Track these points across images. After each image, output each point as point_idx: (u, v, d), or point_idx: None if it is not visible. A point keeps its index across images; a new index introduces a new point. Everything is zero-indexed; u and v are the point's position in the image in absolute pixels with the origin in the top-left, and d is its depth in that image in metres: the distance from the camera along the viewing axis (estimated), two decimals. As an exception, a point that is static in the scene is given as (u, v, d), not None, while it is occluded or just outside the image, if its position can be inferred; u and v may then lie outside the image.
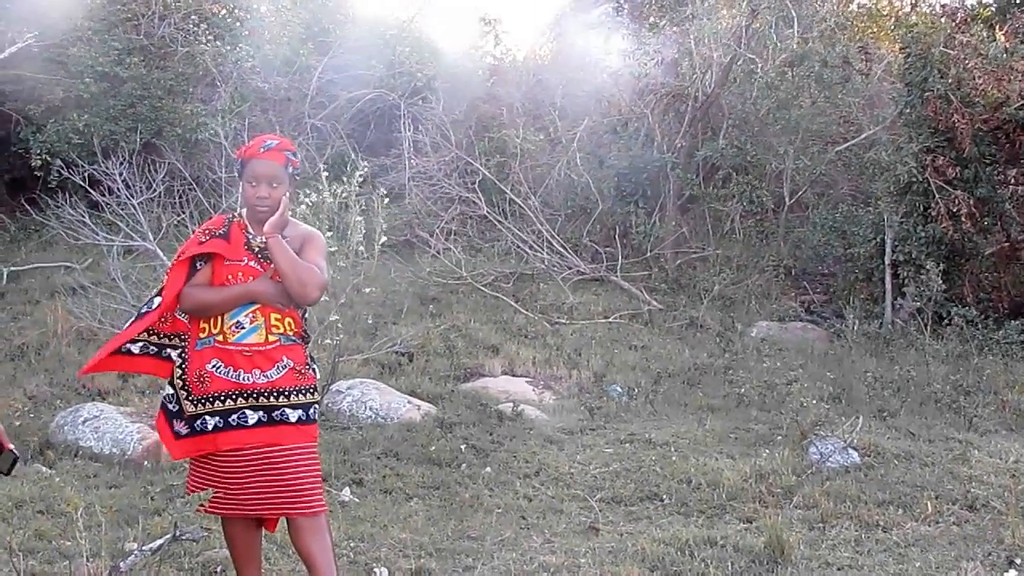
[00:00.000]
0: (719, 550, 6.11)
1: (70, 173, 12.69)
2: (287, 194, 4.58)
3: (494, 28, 17.19)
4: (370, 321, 11.10)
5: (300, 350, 4.69)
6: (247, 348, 4.56)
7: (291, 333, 4.65)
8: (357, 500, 7.12)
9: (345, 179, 9.23)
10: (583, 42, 17.23)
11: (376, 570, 5.77)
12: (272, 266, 4.53)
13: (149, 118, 14.73)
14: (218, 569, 5.65)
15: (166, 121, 14.85)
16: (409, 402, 9.25)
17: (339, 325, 9.12)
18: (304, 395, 4.63)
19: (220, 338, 4.56)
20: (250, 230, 4.66)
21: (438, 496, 7.32)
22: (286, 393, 4.57)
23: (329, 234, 9.03)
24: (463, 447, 8.28)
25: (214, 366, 4.56)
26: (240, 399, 4.54)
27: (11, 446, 4.17)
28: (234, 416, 4.54)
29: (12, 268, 12.72)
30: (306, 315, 4.76)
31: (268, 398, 4.55)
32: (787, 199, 15.44)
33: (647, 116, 15.88)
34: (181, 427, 4.63)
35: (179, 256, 4.63)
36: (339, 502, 7.03)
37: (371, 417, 8.92)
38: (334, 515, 6.73)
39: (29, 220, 13.89)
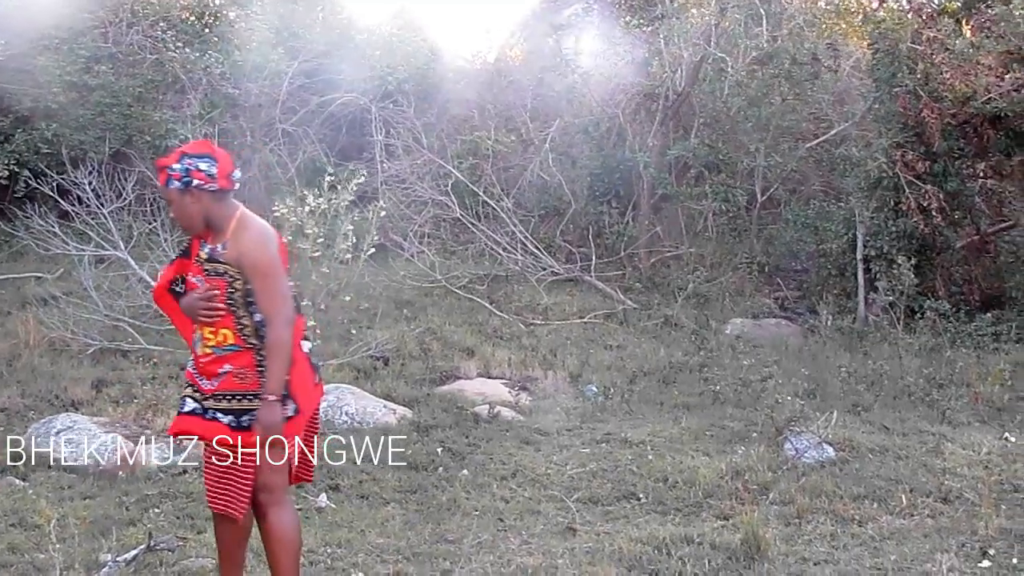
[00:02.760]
0: (696, 548, 6.13)
1: (39, 183, 12.62)
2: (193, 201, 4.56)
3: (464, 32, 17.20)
4: (345, 325, 11.05)
5: (243, 356, 4.67)
6: (199, 357, 4.73)
7: (228, 343, 4.66)
8: (334, 506, 7.09)
9: (339, 187, 9.18)
10: (553, 43, 17.22)
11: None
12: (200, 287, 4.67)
13: (118, 126, 14.65)
14: (194, 578, 5.63)
15: (136, 129, 14.77)
16: (385, 406, 9.22)
17: (317, 331, 9.09)
18: (239, 401, 4.66)
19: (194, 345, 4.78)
20: (205, 243, 4.69)
21: (415, 500, 7.31)
22: (223, 397, 4.68)
23: (320, 240, 9.00)
24: (440, 450, 8.27)
25: (192, 366, 4.79)
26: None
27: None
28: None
29: (-19, 280, 12.66)
30: (256, 318, 4.67)
31: (205, 401, 4.73)
32: (759, 196, 15.49)
33: (618, 116, 15.90)
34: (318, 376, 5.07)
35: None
36: (316, 508, 7.01)
37: (347, 422, 8.88)
38: (310, 521, 6.71)
39: (-1, 231, 13.81)
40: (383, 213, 9.97)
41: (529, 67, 17.67)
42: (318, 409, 5.07)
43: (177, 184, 4.53)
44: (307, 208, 8.87)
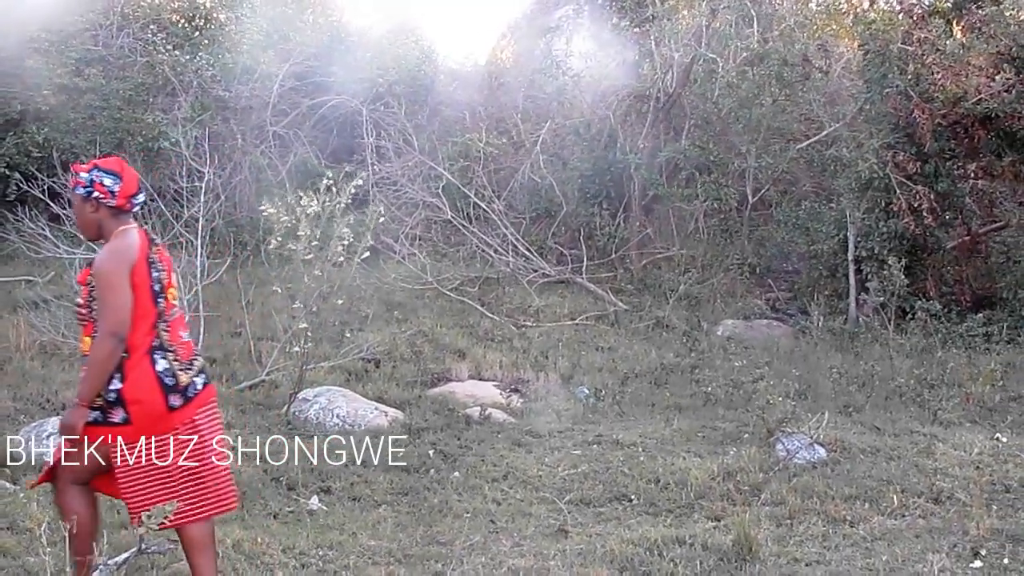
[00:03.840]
0: (688, 549, 6.13)
1: (29, 186, 12.58)
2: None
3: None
4: (337, 327, 11.04)
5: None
6: None
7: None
8: (325, 508, 7.09)
9: (335, 189, 9.14)
10: (544, 45, 17.23)
11: (345, 578, 5.75)
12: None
13: (109, 129, 14.62)
14: (185, 581, 5.61)
15: (126, 132, 14.74)
16: (376, 408, 9.22)
17: (308, 333, 9.07)
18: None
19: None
20: None
21: (406, 502, 7.31)
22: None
23: (314, 243, 8.97)
24: (431, 452, 8.27)
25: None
26: None
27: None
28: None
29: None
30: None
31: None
32: (750, 198, 15.52)
33: (609, 117, 15.91)
34: (176, 399, 4.95)
35: None
36: (307, 511, 7.00)
37: (338, 424, 8.87)
38: (302, 524, 6.71)
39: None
40: (380, 219, 9.93)
41: (520, 69, 17.68)
42: (187, 438, 5.00)
43: (81, 191, 4.90)
44: (301, 210, 8.82)
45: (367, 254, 9.64)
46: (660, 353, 11.83)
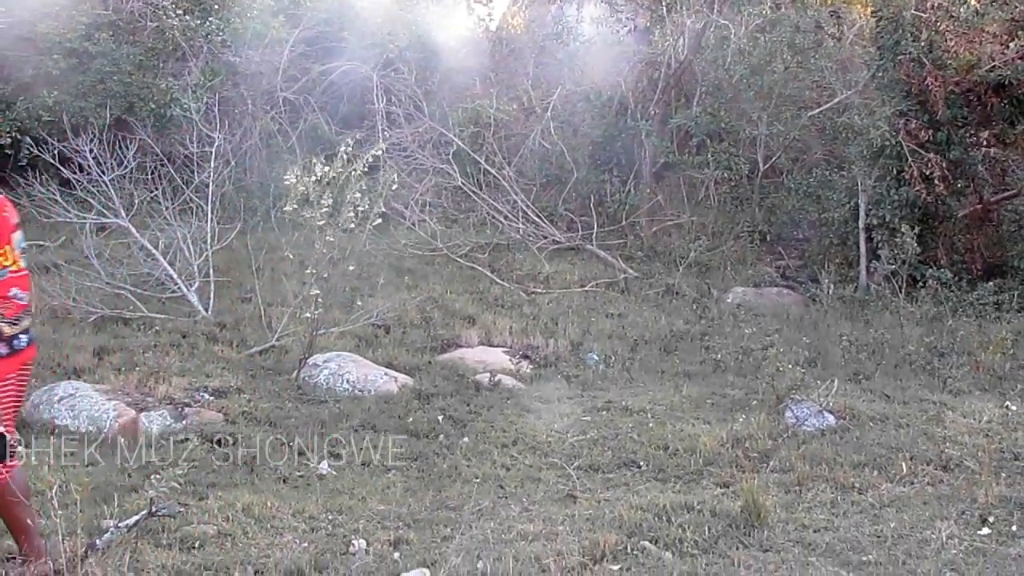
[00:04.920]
0: (696, 515, 6.13)
1: (40, 151, 12.58)
2: None
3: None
4: (347, 293, 11.06)
5: None
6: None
7: None
8: (335, 473, 7.11)
9: (350, 156, 9.11)
10: (555, 10, 17.15)
11: (355, 542, 5.78)
12: None
13: (119, 94, 14.60)
14: (196, 544, 5.64)
15: (137, 96, 14.72)
16: (386, 374, 9.23)
17: (319, 299, 9.08)
18: None
19: (13, 268, 4.99)
20: None
21: (416, 467, 7.33)
22: None
23: (326, 209, 8.96)
24: (441, 418, 8.29)
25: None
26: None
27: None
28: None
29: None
30: None
31: None
32: (761, 165, 15.47)
33: (620, 84, 15.84)
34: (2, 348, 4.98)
35: None
36: (317, 475, 7.03)
37: (348, 390, 8.89)
38: (312, 488, 6.74)
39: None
40: (395, 187, 9.91)
41: (531, 35, 17.61)
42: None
43: None
44: (314, 177, 8.80)
45: (379, 220, 9.63)
46: (670, 320, 11.83)
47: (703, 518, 6.08)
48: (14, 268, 5.02)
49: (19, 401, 5.24)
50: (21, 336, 5.01)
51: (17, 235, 5.09)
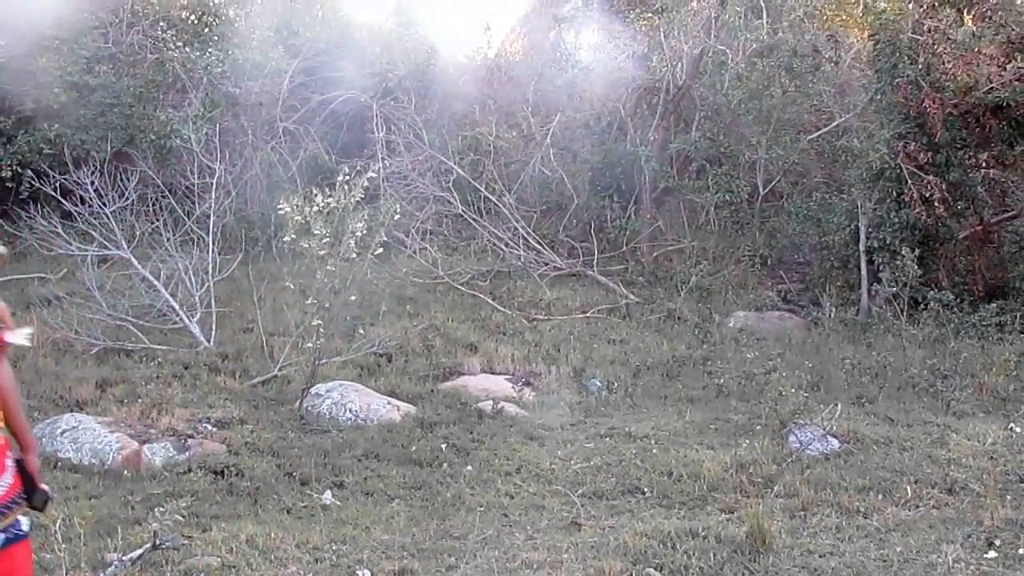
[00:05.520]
0: (701, 541, 6.11)
1: (41, 184, 12.61)
2: None
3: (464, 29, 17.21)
4: (349, 322, 11.06)
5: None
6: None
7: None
8: (339, 503, 7.10)
9: (347, 185, 9.13)
10: (554, 37, 17.22)
11: (359, 572, 5.76)
12: None
13: (120, 126, 14.65)
14: (200, 577, 5.63)
15: (137, 128, 14.77)
16: (388, 403, 9.23)
17: (320, 329, 9.08)
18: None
19: None
20: None
21: (420, 496, 7.31)
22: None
23: (327, 239, 8.97)
24: (444, 446, 8.27)
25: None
26: None
27: (44, 486, 3.83)
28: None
29: (-14, 281, 12.62)
30: None
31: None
32: (761, 189, 15.49)
33: (619, 110, 15.89)
34: None
35: None
36: (320, 505, 7.01)
37: (351, 419, 8.89)
38: (316, 519, 6.73)
39: (1, 232, 13.78)
40: (397, 216, 9.94)
41: (529, 62, 17.67)
42: None
43: None
44: (315, 207, 8.82)
45: (380, 250, 9.64)
46: (672, 345, 11.82)
47: (708, 544, 6.06)
48: None
49: None
50: None
51: None
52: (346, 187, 9.01)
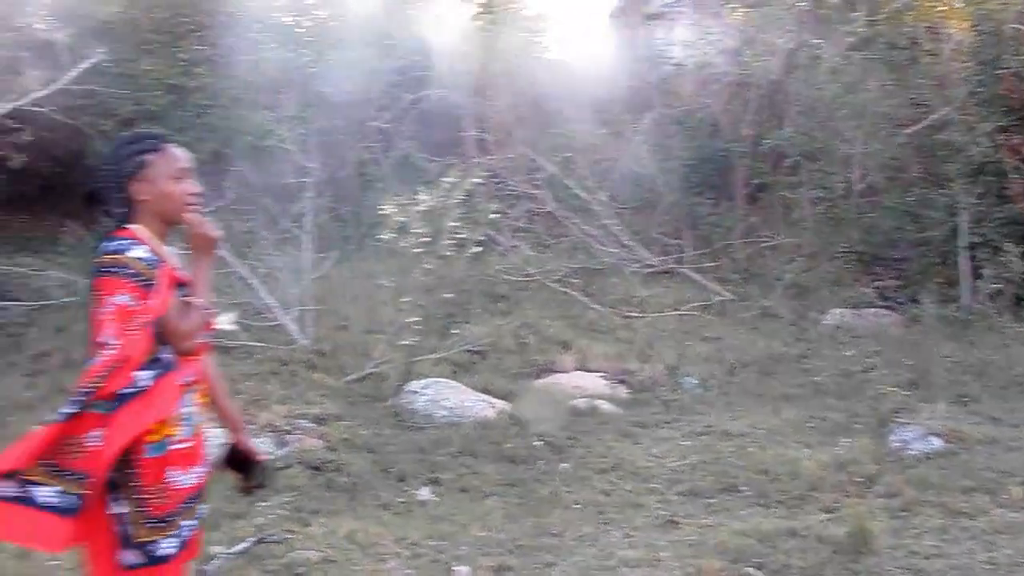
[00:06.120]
0: (801, 541, 6.04)
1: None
2: None
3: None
4: (442, 320, 11.12)
5: None
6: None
7: None
8: (435, 499, 7.14)
9: (448, 185, 9.21)
10: (645, 33, 17.13)
11: (457, 569, 5.78)
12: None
13: (218, 127, 14.89)
14: (301, 571, 5.69)
15: (234, 130, 14.99)
16: (483, 400, 9.26)
17: (417, 327, 9.14)
18: None
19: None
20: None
21: (515, 493, 7.33)
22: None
23: (427, 238, 9.05)
24: (538, 444, 8.28)
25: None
26: None
27: (263, 459, 4.04)
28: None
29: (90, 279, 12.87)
30: None
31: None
32: (858, 184, 15.22)
33: (711, 106, 15.75)
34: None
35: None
36: (417, 502, 7.06)
37: (446, 416, 8.93)
38: (413, 515, 6.78)
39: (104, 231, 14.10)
40: (495, 215, 9.99)
41: (621, 58, 17.59)
42: None
43: None
44: (419, 207, 8.91)
45: (480, 249, 9.69)
46: (767, 343, 11.68)
47: (808, 544, 5.99)
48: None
49: None
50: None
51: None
52: (447, 186, 9.07)
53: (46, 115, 12.53)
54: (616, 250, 14.21)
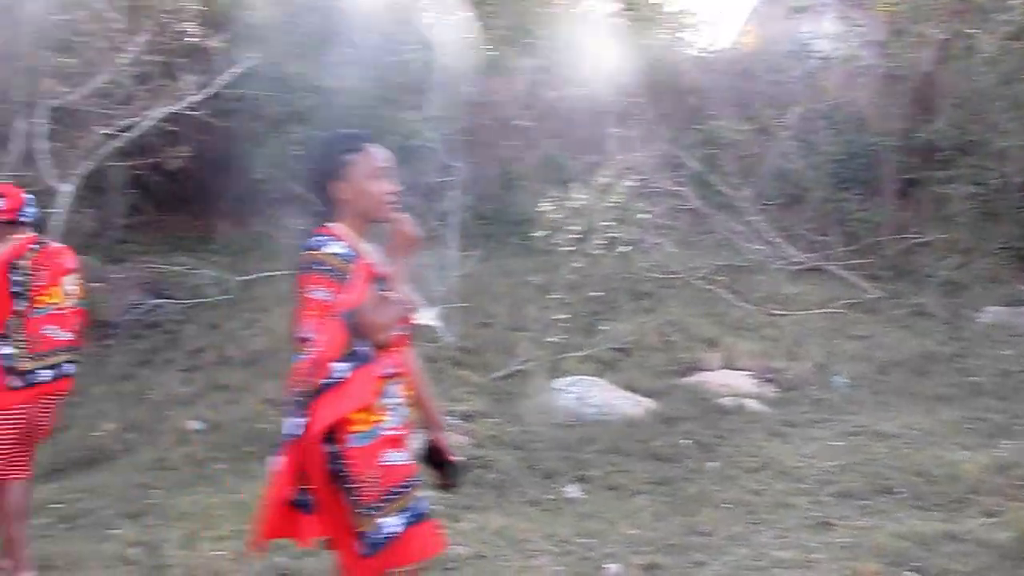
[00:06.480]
0: (962, 545, 5.86)
1: (292, 185, 13.15)
2: None
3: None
4: (586, 317, 11.12)
5: None
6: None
7: None
8: (584, 497, 7.15)
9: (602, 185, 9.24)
10: (790, 27, 16.84)
11: (607, 566, 5.78)
12: None
13: (364, 127, 15.11)
14: (452, 566, 5.75)
15: (380, 130, 15.21)
16: (629, 398, 9.23)
17: (563, 324, 9.16)
18: None
19: (55, 305, 5.55)
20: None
21: (664, 492, 7.29)
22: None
23: (576, 236, 9.09)
24: (686, 442, 8.22)
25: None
26: None
27: (456, 458, 4.17)
28: None
29: (242, 278, 13.23)
30: None
31: None
32: (1015, 178, 14.70)
33: (859, 99, 15.41)
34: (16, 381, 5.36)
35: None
36: (565, 499, 7.08)
37: (592, 413, 8.94)
38: (561, 511, 6.79)
39: (255, 232, 14.49)
40: (645, 215, 9.95)
41: (766, 52, 17.34)
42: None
43: None
44: (575, 203, 8.95)
45: (629, 248, 9.66)
46: (920, 341, 11.37)
47: (970, 548, 5.81)
48: (56, 306, 5.50)
49: (35, 429, 5.57)
50: (43, 371, 5.44)
51: (69, 278, 5.60)
52: (605, 182, 9.08)
53: (199, 118, 12.90)
54: (762, 247, 14.01)
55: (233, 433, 8.80)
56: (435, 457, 4.02)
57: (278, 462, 3.59)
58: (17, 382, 5.46)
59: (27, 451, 5.57)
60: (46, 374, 5.53)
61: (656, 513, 6.82)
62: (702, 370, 10.59)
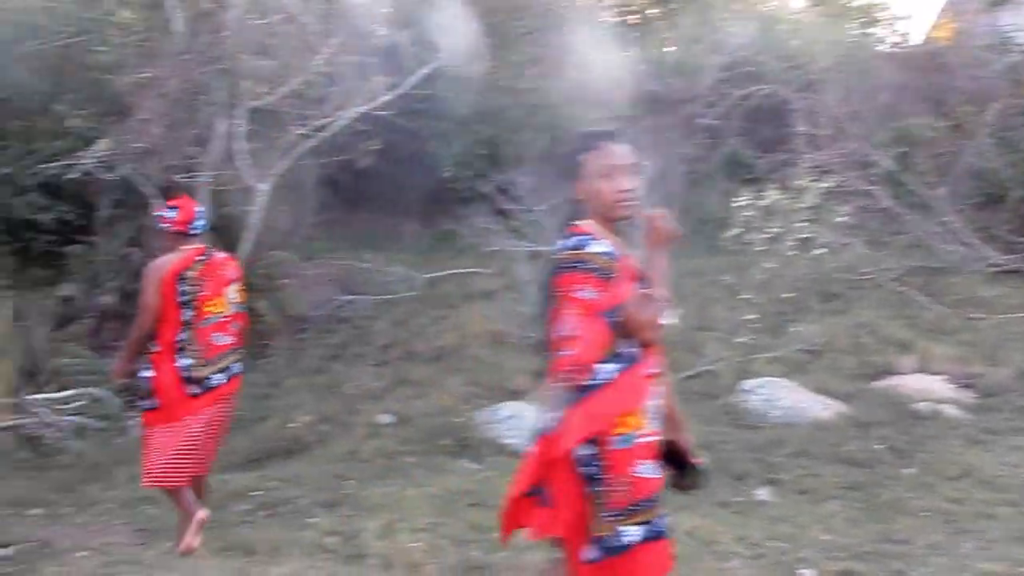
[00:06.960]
0: None
1: (478, 183, 13.33)
2: None
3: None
4: (774, 318, 10.92)
5: None
6: None
7: None
8: (775, 500, 7.03)
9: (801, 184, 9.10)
10: (989, 19, 16.21)
11: (802, 572, 5.66)
12: None
13: (549, 126, 15.21)
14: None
15: (564, 128, 15.27)
16: (818, 401, 9.03)
17: (753, 325, 9.03)
18: None
19: (221, 315, 6.13)
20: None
21: (856, 497, 7.12)
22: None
23: (770, 236, 8.97)
24: (880, 447, 7.99)
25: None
26: None
27: (698, 462, 4.12)
28: None
29: (430, 275, 13.46)
30: None
31: None
32: None
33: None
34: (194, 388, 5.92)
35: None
36: (756, 502, 6.97)
37: (781, 416, 8.78)
38: (752, 514, 6.69)
39: (442, 230, 14.73)
40: (844, 218, 9.75)
41: (962, 47, 16.73)
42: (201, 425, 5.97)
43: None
44: (765, 203, 8.84)
45: (824, 251, 9.44)
46: None
47: None
48: (221, 315, 6.00)
49: (215, 430, 6.07)
50: (216, 375, 5.96)
51: (232, 287, 6.08)
52: (799, 189, 8.92)
53: (387, 118, 13.17)
54: (957, 248, 13.49)
55: (421, 428, 8.95)
56: (676, 459, 3.95)
57: (528, 454, 3.61)
58: (196, 389, 5.88)
59: (200, 456, 5.99)
60: (219, 377, 5.97)
61: (849, 519, 6.65)
62: (895, 374, 10.26)
